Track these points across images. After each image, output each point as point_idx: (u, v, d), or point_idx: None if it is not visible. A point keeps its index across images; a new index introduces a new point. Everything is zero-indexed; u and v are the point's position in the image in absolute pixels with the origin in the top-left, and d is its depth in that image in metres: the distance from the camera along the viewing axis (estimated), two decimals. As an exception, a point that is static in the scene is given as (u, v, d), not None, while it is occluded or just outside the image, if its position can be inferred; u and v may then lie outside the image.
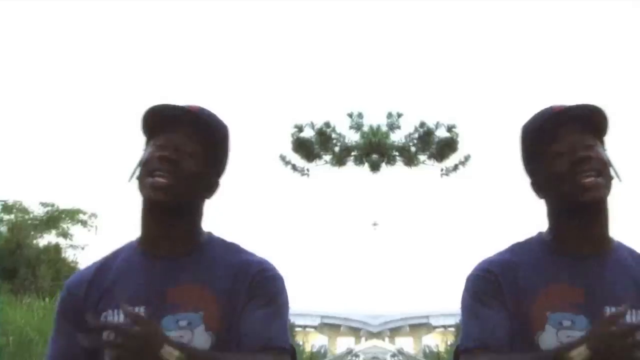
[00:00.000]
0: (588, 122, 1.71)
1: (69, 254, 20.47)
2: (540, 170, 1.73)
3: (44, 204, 21.54)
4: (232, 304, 1.67)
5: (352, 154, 20.92)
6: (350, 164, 21.01)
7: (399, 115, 21.04)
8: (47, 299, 12.42)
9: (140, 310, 1.62)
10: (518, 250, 1.79)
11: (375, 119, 20.74)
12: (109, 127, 34.65)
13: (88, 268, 1.77)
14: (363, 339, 45.64)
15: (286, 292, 1.75)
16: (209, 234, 1.79)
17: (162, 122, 1.71)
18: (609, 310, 1.62)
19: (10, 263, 16.37)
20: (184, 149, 1.68)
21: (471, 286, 1.75)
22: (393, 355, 34.39)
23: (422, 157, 20.71)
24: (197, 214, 1.77)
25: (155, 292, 1.66)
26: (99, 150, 33.69)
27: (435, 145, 20.38)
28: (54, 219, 21.23)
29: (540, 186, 1.76)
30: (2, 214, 20.77)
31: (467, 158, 20.61)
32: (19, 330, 9.58)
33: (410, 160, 20.77)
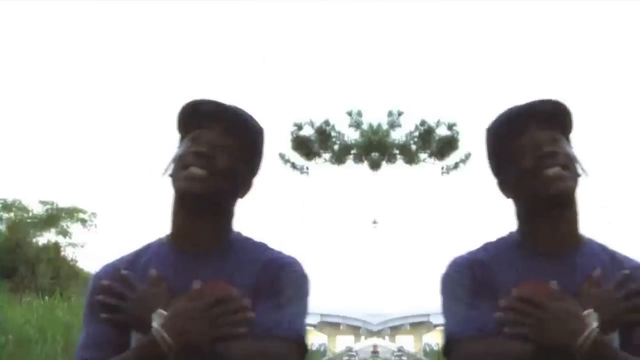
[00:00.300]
0: (553, 117, 1.70)
1: (68, 253, 20.45)
2: (507, 168, 1.72)
3: (43, 203, 21.52)
4: (254, 299, 1.65)
5: (352, 152, 20.92)
6: (349, 162, 21.02)
7: (400, 114, 21.05)
8: (46, 298, 12.41)
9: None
10: (490, 248, 1.78)
11: (375, 117, 20.75)
12: (108, 126, 34.66)
13: (118, 260, 1.75)
14: (363, 337, 45.75)
15: (307, 289, 1.74)
16: (238, 233, 1.78)
17: (197, 117, 1.70)
18: None
19: (9, 261, 16.36)
20: (219, 145, 1.67)
21: (452, 281, 1.75)
22: (394, 354, 34.41)
23: (422, 156, 20.72)
24: (228, 212, 1.76)
25: (181, 287, 1.64)
26: (99, 149, 33.69)
27: (436, 144, 20.39)
28: (53, 218, 21.21)
29: (507, 185, 1.75)
30: (1, 213, 20.75)
31: (467, 156, 20.62)
32: (18, 329, 9.57)
33: (410, 158, 20.79)
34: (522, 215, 1.75)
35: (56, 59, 33.16)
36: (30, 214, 21.23)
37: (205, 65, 33.64)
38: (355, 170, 21.19)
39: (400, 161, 20.77)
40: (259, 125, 1.77)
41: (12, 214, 20.85)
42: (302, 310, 1.72)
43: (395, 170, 21.00)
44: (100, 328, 1.66)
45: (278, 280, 1.70)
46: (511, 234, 1.79)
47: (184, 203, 1.70)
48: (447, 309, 1.74)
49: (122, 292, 1.64)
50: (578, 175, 1.69)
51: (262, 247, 1.77)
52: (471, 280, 1.72)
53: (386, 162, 20.83)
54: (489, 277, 1.70)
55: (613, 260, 1.73)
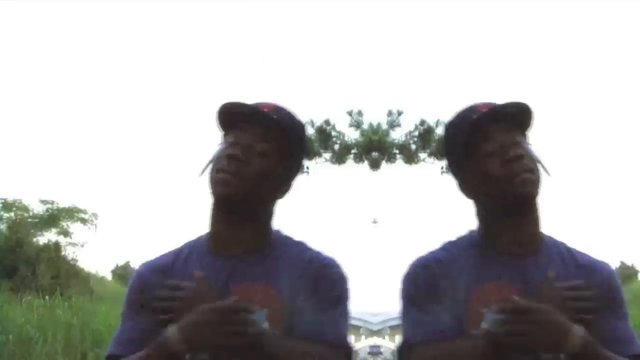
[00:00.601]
0: (516, 119, 1.69)
1: (68, 252, 20.43)
2: (470, 171, 1.71)
3: (44, 202, 21.53)
4: (294, 301, 1.66)
5: (352, 151, 20.88)
6: (350, 162, 20.99)
7: (399, 113, 20.98)
8: (46, 297, 12.41)
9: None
10: (451, 248, 1.78)
11: (375, 117, 20.71)
12: (109, 125, 34.63)
13: (160, 258, 1.77)
14: (363, 337, 45.69)
15: (348, 292, 1.74)
16: (278, 231, 1.78)
17: (235, 119, 1.69)
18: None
19: (9, 261, 16.34)
20: (254, 149, 1.66)
21: (409, 283, 1.74)
22: (393, 353, 34.37)
23: (422, 155, 20.66)
24: (266, 214, 1.75)
25: (219, 289, 1.65)
26: (100, 149, 33.66)
27: (436, 143, 20.33)
28: (54, 217, 21.21)
29: (469, 186, 1.74)
30: (2, 212, 20.76)
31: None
32: (18, 329, 9.56)
33: (410, 158, 20.72)
34: (484, 216, 1.75)
35: (57, 58, 33.15)
36: (31, 214, 21.23)
37: (205, 65, 33.62)
38: (355, 170, 21.16)
39: (400, 161, 20.73)
40: (298, 124, 1.75)
41: (12, 214, 20.85)
42: (345, 313, 1.73)
43: (395, 170, 20.96)
44: (137, 324, 1.69)
45: (320, 281, 1.69)
46: (471, 233, 1.79)
47: (218, 207, 1.71)
48: (403, 313, 1.75)
49: (170, 291, 1.66)
50: (540, 177, 1.69)
51: (301, 247, 1.77)
52: (429, 282, 1.71)
53: (386, 161, 20.79)
54: (448, 277, 1.70)
55: (574, 259, 1.73)
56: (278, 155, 1.69)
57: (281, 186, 1.75)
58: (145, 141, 34.77)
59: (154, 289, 1.69)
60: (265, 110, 1.69)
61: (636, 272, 22.63)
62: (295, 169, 1.78)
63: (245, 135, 1.68)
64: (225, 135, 1.72)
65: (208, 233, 1.75)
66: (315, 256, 1.74)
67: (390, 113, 20.86)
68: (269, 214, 1.76)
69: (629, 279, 19.90)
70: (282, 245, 1.75)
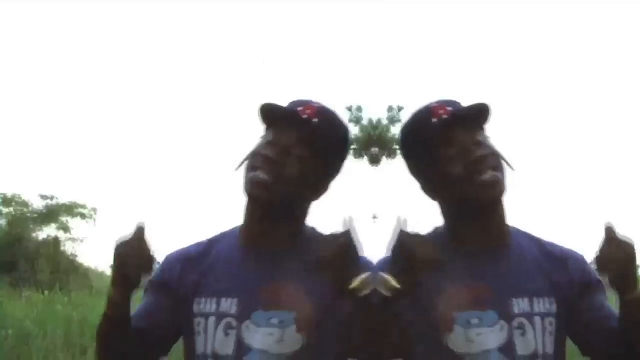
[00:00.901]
0: (476, 120, 1.67)
1: (68, 248, 20.42)
2: (433, 174, 1.68)
3: (43, 197, 21.47)
4: (326, 303, 1.63)
5: (352, 147, 20.88)
6: (350, 158, 20.98)
7: (400, 109, 20.99)
8: (46, 292, 12.41)
9: (233, 302, 1.64)
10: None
11: (375, 112, 20.73)
12: (108, 121, 34.59)
13: (190, 247, 1.77)
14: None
15: None
16: (313, 229, 1.76)
17: (276, 119, 1.67)
18: (516, 302, 1.61)
19: (9, 256, 16.36)
20: (291, 152, 1.64)
21: None
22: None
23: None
24: (300, 215, 1.74)
25: (249, 287, 1.65)
26: (99, 144, 33.64)
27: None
28: (53, 212, 21.15)
29: (432, 188, 1.71)
30: (1, 207, 20.70)
31: None
32: (18, 324, 9.55)
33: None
34: (451, 216, 1.72)
35: (56, 54, 33.12)
36: (30, 209, 21.18)
37: (205, 62, 33.57)
38: (355, 166, 21.17)
39: (400, 156, 20.76)
40: (340, 128, 1.73)
41: (12, 209, 20.79)
42: None
43: (395, 166, 20.96)
44: (153, 302, 1.71)
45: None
46: (436, 230, 1.75)
47: (252, 206, 1.70)
48: None
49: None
50: (505, 172, 1.67)
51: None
52: None
53: (386, 157, 20.79)
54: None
55: (543, 250, 1.71)
56: (315, 160, 1.67)
57: (317, 189, 1.73)
58: (144, 136, 34.75)
59: (178, 275, 1.70)
60: (307, 113, 1.66)
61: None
62: (333, 172, 1.75)
63: (284, 136, 1.65)
64: (267, 130, 1.70)
65: (241, 227, 1.75)
66: None
67: (390, 109, 20.88)
68: (303, 214, 1.75)
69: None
70: (312, 245, 1.69)
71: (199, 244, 1.78)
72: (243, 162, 1.69)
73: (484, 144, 1.65)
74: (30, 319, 9.82)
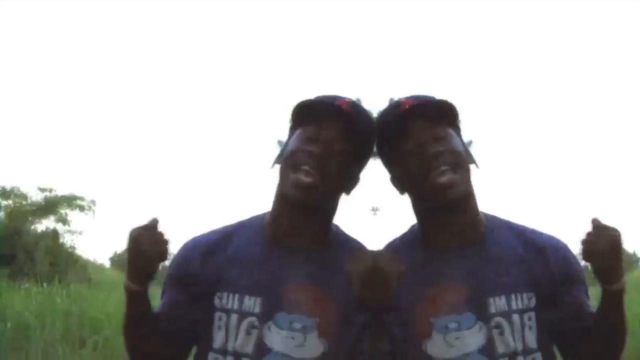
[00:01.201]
0: (435, 115, 1.64)
1: (66, 240, 20.38)
2: (396, 168, 1.68)
3: (42, 190, 21.43)
4: (347, 310, 1.63)
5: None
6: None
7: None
8: (45, 285, 12.40)
9: (257, 301, 1.62)
10: (392, 249, 1.74)
11: (375, 104, 20.76)
12: (107, 113, 34.56)
13: (208, 236, 1.74)
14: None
15: None
16: (337, 228, 1.75)
17: (317, 114, 1.66)
18: (493, 301, 1.59)
19: (8, 249, 16.33)
20: (333, 147, 1.62)
21: None
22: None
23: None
24: (331, 210, 1.72)
25: (273, 286, 1.64)
26: (98, 136, 33.62)
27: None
28: (52, 205, 21.11)
29: (397, 182, 1.70)
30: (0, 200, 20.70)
31: (468, 143, 20.58)
32: (16, 316, 9.55)
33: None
34: (419, 213, 1.71)
35: (55, 46, 33.05)
36: (29, 201, 21.14)
37: (202, 54, 33.53)
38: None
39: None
40: (372, 121, 1.71)
41: (10, 201, 20.76)
42: None
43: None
44: (171, 299, 1.69)
45: None
46: (412, 229, 1.74)
47: (288, 205, 1.66)
48: None
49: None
50: (468, 168, 1.64)
51: (357, 250, 1.72)
52: None
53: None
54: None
55: (523, 239, 1.68)
56: (354, 154, 1.67)
57: (352, 182, 1.73)
58: (141, 128, 34.70)
59: (199, 267, 1.68)
60: (344, 107, 1.65)
61: (637, 259, 22.63)
62: (365, 164, 1.75)
63: (325, 132, 1.64)
64: (300, 126, 1.68)
65: (267, 220, 1.71)
66: None
67: (391, 101, 20.89)
68: (334, 209, 1.73)
69: (630, 267, 19.91)
70: (338, 246, 1.72)
71: (215, 233, 1.75)
72: (280, 158, 1.67)
73: (444, 140, 1.61)
74: (29, 311, 9.81)
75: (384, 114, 1.69)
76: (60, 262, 16.83)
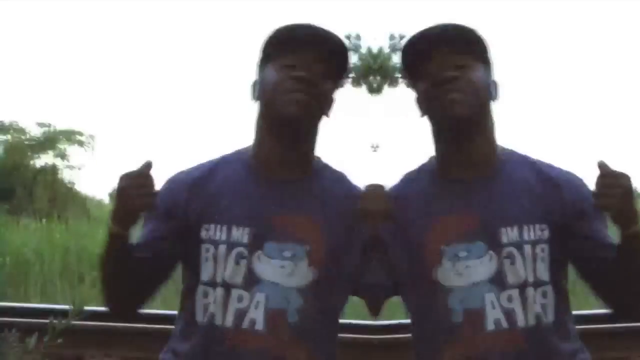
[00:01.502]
0: (461, 43, 1.65)
1: (65, 175, 20.42)
2: (417, 89, 1.69)
3: (40, 125, 21.36)
4: (337, 238, 1.65)
5: (350, 75, 20.72)
6: (347, 86, 20.87)
7: (402, 37, 20.73)
8: (43, 220, 12.44)
9: (245, 231, 1.62)
10: (408, 181, 1.76)
11: (375, 41, 20.54)
12: (105, 46, 34.22)
13: (193, 171, 1.73)
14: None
15: None
16: (319, 159, 1.75)
17: (292, 43, 1.66)
18: (505, 231, 1.59)
19: (6, 184, 16.38)
20: (313, 70, 1.63)
21: None
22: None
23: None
24: (315, 136, 1.72)
25: (261, 216, 1.64)
26: (96, 70, 33.33)
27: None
28: (50, 140, 21.08)
29: (418, 105, 1.71)
30: (-2, 135, 20.63)
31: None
32: (16, 251, 9.61)
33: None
34: (434, 140, 1.70)
35: (50, -22, 32.47)
36: (28, 136, 21.10)
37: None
38: (353, 94, 21.04)
39: (402, 85, 20.67)
40: (344, 45, 1.75)
41: (9, 136, 20.73)
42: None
43: (396, 94, 20.87)
44: (156, 228, 1.68)
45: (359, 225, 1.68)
46: (431, 159, 1.74)
47: (278, 129, 1.66)
48: None
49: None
50: (484, 99, 1.64)
51: (342, 179, 1.76)
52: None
53: (388, 85, 20.69)
54: (406, 216, 1.67)
55: (539, 173, 1.67)
56: (334, 75, 1.69)
57: (331, 104, 1.73)
58: (143, 63, 34.38)
59: (184, 202, 1.67)
60: (315, 32, 1.68)
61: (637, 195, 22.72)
62: (340, 86, 1.76)
63: (307, 58, 1.65)
64: (275, 59, 1.67)
65: (253, 153, 1.71)
66: (357, 192, 1.72)
67: (392, 37, 20.63)
68: (316, 133, 1.73)
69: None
70: (326, 175, 1.74)
71: (200, 167, 1.74)
72: (259, 90, 1.68)
73: (465, 69, 1.62)
74: (27, 246, 9.87)
75: (412, 38, 1.70)
76: (59, 197, 16.89)
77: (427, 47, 1.65)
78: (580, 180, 1.69)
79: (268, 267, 1.61)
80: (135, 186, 1.56)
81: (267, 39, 1.70)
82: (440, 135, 1.68)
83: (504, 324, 1.58)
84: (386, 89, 21.02)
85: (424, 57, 1.64)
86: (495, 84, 1.69)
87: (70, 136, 21.58)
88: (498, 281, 1.58)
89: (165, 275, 1.71)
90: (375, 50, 20.92)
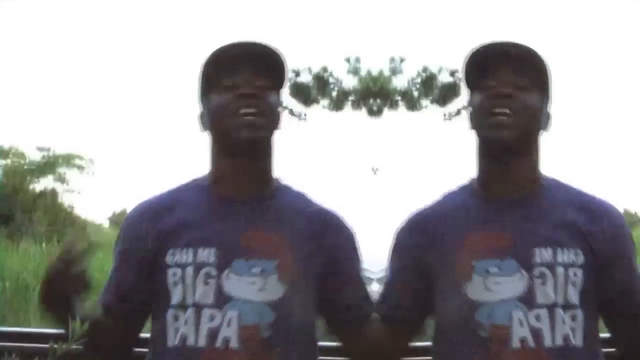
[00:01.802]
0: (525, 65, 1.64)
1: (65, 199, 20.37)
2: (470, 103, 1.70)
3: (40, 149, 21.36)
4: (306, 254, 1.65)
5: (350, 98, 20.81)
6: (348, 109, 20.91)
7: (402, 60, 20.86)
8: (43, 244, 12.40)
9: (211, 252, 1.60)
10: (445, 199, 1.75)
11: (375, 63, 20.63)
12: (106, 73, 34.38)
13: (152, 200, 1.72)
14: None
15: (358, 248, 1.80)
16: (278, 179, 1.74)
17: (227, 63, 1.66)
18: (539, 252, 1.58)
19: (6, 208, 16.33)
20: (255, 84, 1.63)
21: (394, 245, 1.76)
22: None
23: (424, 102, 20.61)
24: (272, 151, 1.72)
25: (227, 235, 1.62)
26: (96, 95, 33.46)
27: (438, 90, 20.27)
28: (50, 164, 21.07)
29: (469, 117, 1.71)
30: (-2, 159, 20.62)
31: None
32: (15, 276, 9.56)
33: (412, 104, 20.70)
34: (479, 156, 1.70)
35: (55, 6, 32.72)
36: (27, 160, 21.09)
37: (199, 11, 33.19)
38: (353, 117, 21.08)
39: (402, 107, 20.68)
40: (281, 55, 1.72)
41: (8, 160, 20.72)
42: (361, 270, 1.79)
43: (396, 117, 20.90)
44: (124, 276, 1.67)
45: (346, 248, 1.74)
46: (472, 180, 1.73)
47: (233, 152, 1.64)
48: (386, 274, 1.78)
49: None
50: (534, 127, 1.64)
51: (305, 198, 1.75)
52: (417, 241, 1.70)
53: (388, 108, 20.74)
54: (440, 231, 1.68)
55: (580, 201, 1.67)
56: (277, 87, 1.70)
57: (279, 117, 1.72)
58: (140, 86, 34.51)
59: (144, 235, 1.66)
60: (250, 48, 1.68)
61: (639, 219, 22.64)
62: (281, 96, 1.76)
63: (245, 75, 1.65)
64: (216, 83, 1.67)
65: (213, 178, 1.70)
66: (324, 210, 1.74)
67: (392, 60, 20.71)
68: (272, 148, 1.72)
69: (632, 227, 19.91)
70: (287, 194, 1.74)
71: (160, 196, 1.73)
72: (207, 117, 1.68)
73: (522, 91, 1.62)
74: (27, 271, 9.82)
75: (479, 47, 1.69)
76: (59, 221, 16.84)
77: (492, 60, 1.65)
78: (620, 214, 1.70)
79: (238, 284, 1.59)
80: (62, 270, 1.53)
81: (204, 64, 1.69)
82: (483, 152, 1.67)
83: (531, 343, 1.56)
84: (386, 111, 21.14)
85: (485, 69, 1.65)
86: (548, 115, 1.68)
87: (69, 160, 21.58)
88: (527, 300, 1.57)
89: (140, 319, 1.71)
90: (375, 72, 21.05)
